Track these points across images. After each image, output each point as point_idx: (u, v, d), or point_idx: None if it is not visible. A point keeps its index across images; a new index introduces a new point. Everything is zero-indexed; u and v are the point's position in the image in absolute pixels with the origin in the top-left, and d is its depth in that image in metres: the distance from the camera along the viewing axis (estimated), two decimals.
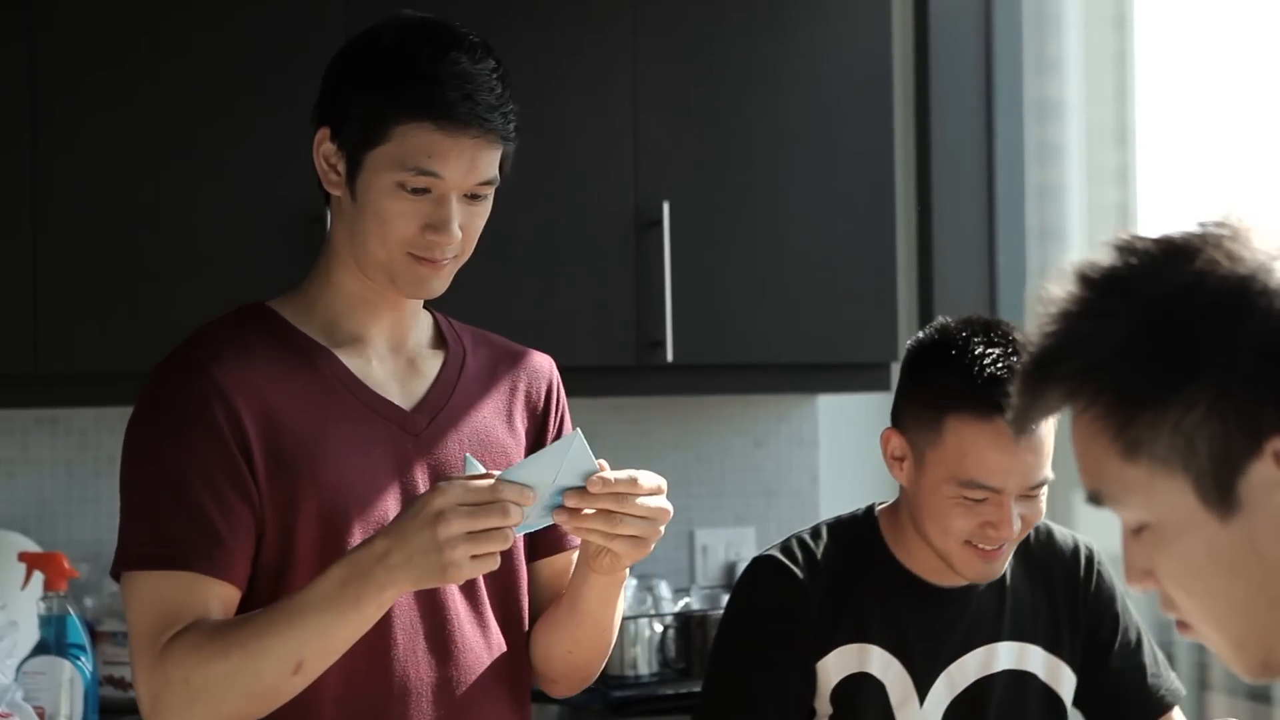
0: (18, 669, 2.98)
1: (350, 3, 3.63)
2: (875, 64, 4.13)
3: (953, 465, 2.38)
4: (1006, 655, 2.54)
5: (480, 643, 2.24)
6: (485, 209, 2.20)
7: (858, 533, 2.56)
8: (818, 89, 4.06)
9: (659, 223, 3.89)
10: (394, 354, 2.27)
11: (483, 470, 2.04)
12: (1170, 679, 2.63)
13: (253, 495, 2.13)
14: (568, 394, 2.41)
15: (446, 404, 2.26)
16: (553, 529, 2.12)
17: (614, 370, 3.91)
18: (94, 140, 3.56)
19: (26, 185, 3.52)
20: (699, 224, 3.95)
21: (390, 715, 2.17)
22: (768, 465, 4.43)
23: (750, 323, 4.00)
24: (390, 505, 2.18)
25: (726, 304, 3.98)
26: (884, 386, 4.18)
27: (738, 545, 4.38)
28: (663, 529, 2.09)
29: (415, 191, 2.14)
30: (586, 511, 2.04)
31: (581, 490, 2.03)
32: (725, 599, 4.16)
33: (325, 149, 2.19)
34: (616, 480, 2.04)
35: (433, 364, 2.29)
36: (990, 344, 2.38)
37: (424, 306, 2.32)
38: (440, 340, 2.32)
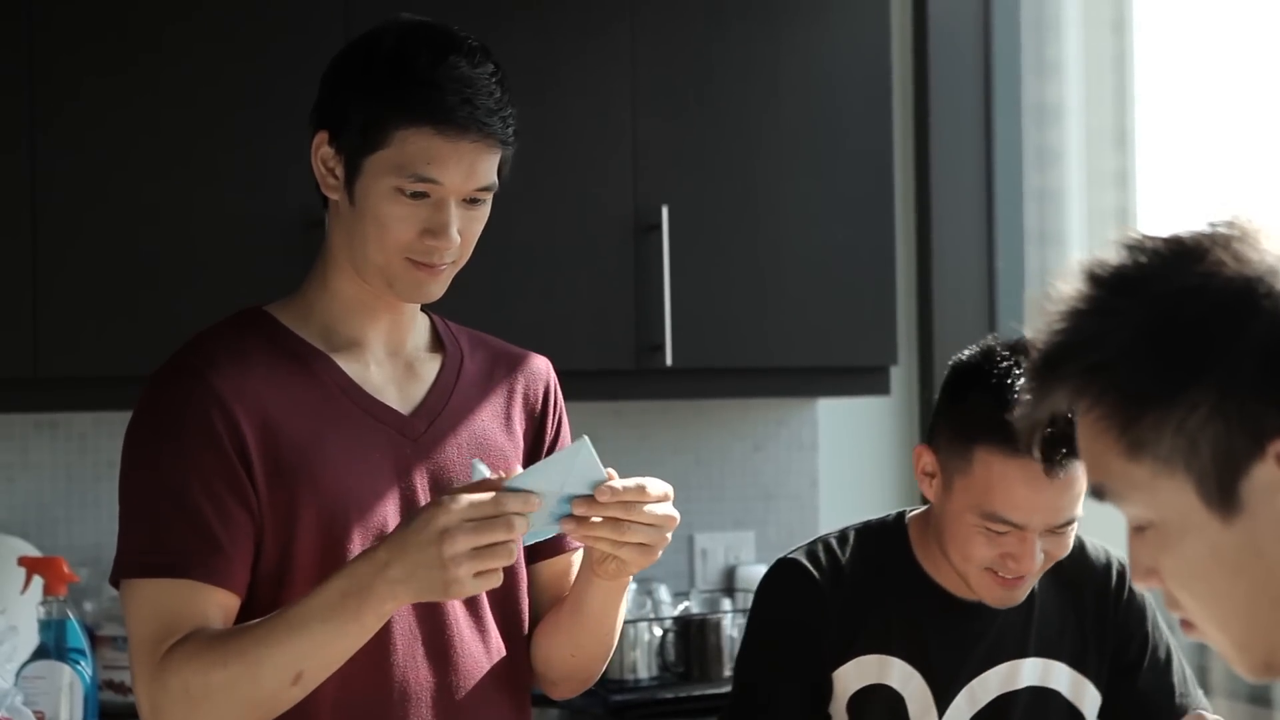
0: (17, 674, 2.97)
1: (349, 7, 3.63)
2: (874, 68, 4.13)
3: (978, 496, 2.34)
4: (1031, 671, 2.50)
5: (479, 647, 2.23)
6: (484, 214, 2.19)
7: (886, 540, 2.52)
8: (817, 93, 4.07)
9: (658, 226, 3.89)
10: (392, 358, 2.26)
11: (490, 475, 2.03)
12: (1198, 698, 2.57)
13: (251, 502, 2.12)
14: (567, 398, 2.40)
15: (445, 407, 2.25)
16: None
17: (613, 374, 3.91)
18: (94, 144, 3.55)
19: (26, 189, 3.52)
20: (698, 228, 3.95)
21: None
22: (767, 469, 4.43)
23: (750, 326, 4.00)
24: (390, 510, 2.17)
25: (726, 308, 3.98)
26: (883, 390, 4.18)
27: (737, 549, 4.38)
28: (669, 536, 2.08)
29: (414, 196, 2.13)
30: (593, 519, 2.04)
31: (589, 499, 2.02)
32: (725, 603, 4.17)
33: (323, 153, 2.18)
34: (624, 489, 2.03)
35: (430, 367, 2.29)
36: None
37: (422, 309, 2.31)
38: (438, 343, 2.32)
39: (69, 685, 2.98)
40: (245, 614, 2.13)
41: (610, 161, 3.90)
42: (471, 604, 2.23)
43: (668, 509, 2.06)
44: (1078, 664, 2.52)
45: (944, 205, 4.48)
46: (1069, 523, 2.36)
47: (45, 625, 3.00)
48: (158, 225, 3.59)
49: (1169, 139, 4.08)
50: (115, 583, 2.17)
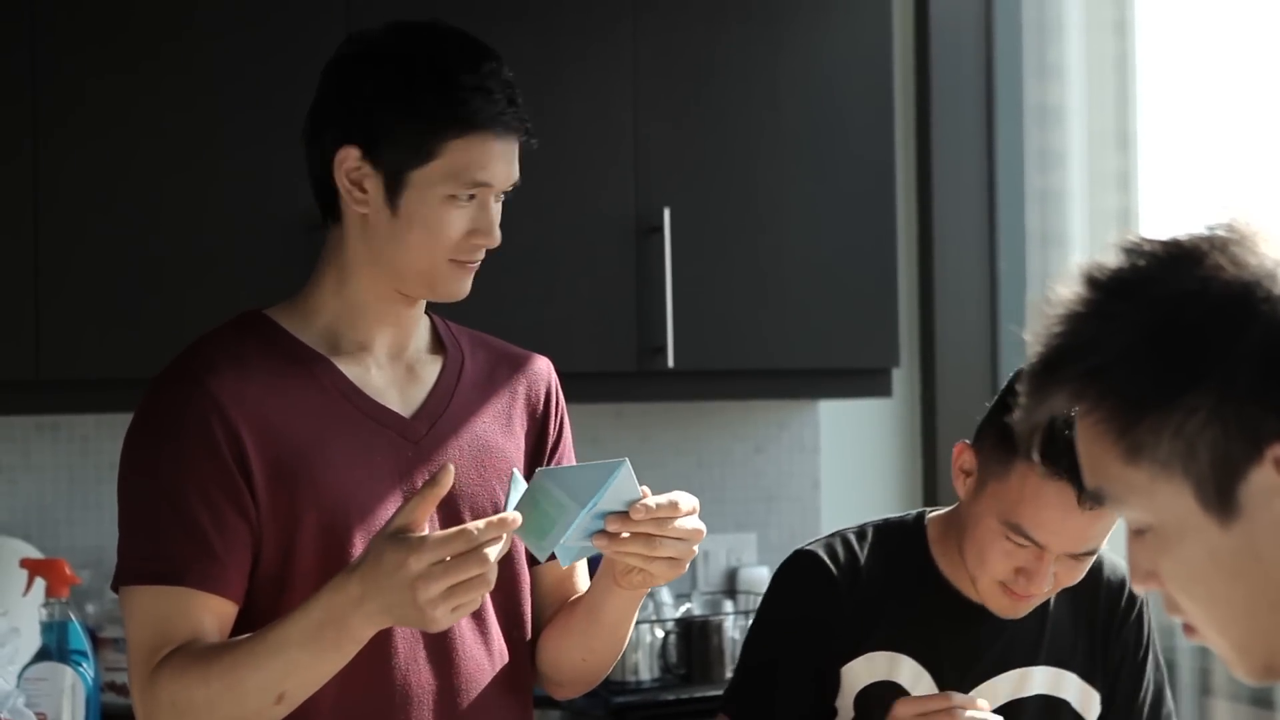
0: (19, 675, 2.98)
1: (351, 10, 3.63)
2: (876, 70, 4.13)
3: (1009, 505, 2.33)
4: (1041, 680, 2.48)
5: (482, 650, 2.23)
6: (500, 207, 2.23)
7: (904, 540, 2.51)
8: (819, 95, 4.07)
9: (660, 229, 3.89)
10: (393, 361, 2.26)
11: (525, 485, 2.06)
12: None
13: (249, 510, 2.12)
14: (568, 400, 2.40)
15: (446, 410, 2.25)
16: None
17: (615, 376, 3.91)
18: (96, 147, 3.56)
19: (29, 191, 3.52)
20: (700, 230, 3.95)
21: None
22: (769, 471, 4.43)
23: (751, 328, 4.00)
24: (391, 513, 2.17)
25: (728, 309, 3.98)
26: (885, 392, 4.18)
27: (739, 551, 4.38)
28: (696, 549, 2.10)
29: (466, 199, 2.16)
30: (624, 535, 2.05)
31: (623, 515, 2.04)
32: (726, 605, 4.18)
33: (350, 167, 2.17)
34: (658, 506, 2.04)
35: (431, 369, 2.28)
36: None
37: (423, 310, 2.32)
38: (438, 344, 2.32)
39: (71, 687, 2.98)
40: (246, 618, 2.13)
41: (612, 164, 3.90)
42: None
43: (695, 522, 2.08)
44: (1087, 675, 2.51)
45: (946, 207, 4.48)
46: (1089, 553, 2.35)
47: (47, 627, 3.00)
48: (160, 228, 3.59)
49: (1171, 141, 4.08)
50: (115, 588, 2.17)
